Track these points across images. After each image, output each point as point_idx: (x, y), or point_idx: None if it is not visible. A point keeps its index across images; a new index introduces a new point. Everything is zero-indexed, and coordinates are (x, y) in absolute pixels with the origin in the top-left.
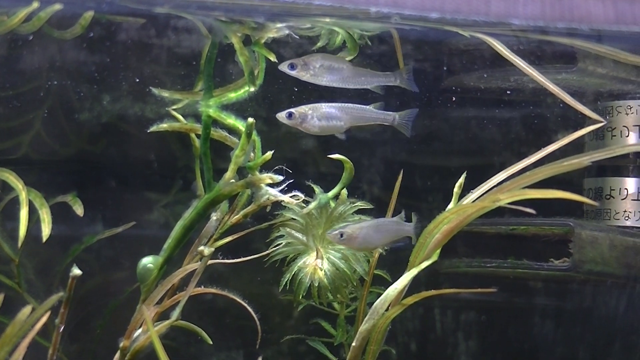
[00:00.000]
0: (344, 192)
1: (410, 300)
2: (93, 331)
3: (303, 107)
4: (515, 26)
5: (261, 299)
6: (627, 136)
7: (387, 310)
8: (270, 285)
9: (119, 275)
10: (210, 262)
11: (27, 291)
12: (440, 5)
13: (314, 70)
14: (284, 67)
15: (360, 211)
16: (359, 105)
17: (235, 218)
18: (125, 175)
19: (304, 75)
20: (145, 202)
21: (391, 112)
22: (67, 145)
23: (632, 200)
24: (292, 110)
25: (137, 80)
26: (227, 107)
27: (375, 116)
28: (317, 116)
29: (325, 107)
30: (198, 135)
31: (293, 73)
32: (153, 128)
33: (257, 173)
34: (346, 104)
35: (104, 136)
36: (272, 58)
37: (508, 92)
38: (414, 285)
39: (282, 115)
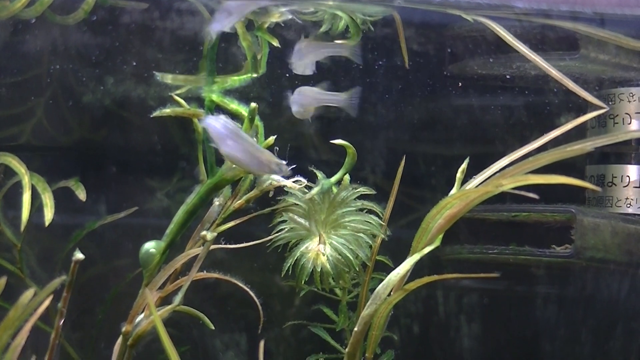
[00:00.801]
0: (347, 177)
1: (412, 285)
2: (94, 318)
3: None
4: (519, 9)
5: (263, 284)
6: (629, 123)
7: (389, 295)
8: (272, 270)
9: (121, 262)
10: (212, 247)
11: (29, 277)
12: None
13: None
14: None
15: (362, 196)
16: (311, 87)
17: (237, 203)
18: (127, 161)
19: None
20: (147, 188)
21: (338, 93)
22: (69, 131)
23: (634, 187)
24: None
25: (139, 64)
26: (230, 92)
27: (327, 98)
28: None
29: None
30: None
31: None
32: (156, 113)
33: None
34: (300, 88)
35: (106, 122)
36: (275, 43)
37: (510, 78)
38: (417, 270)
39: None
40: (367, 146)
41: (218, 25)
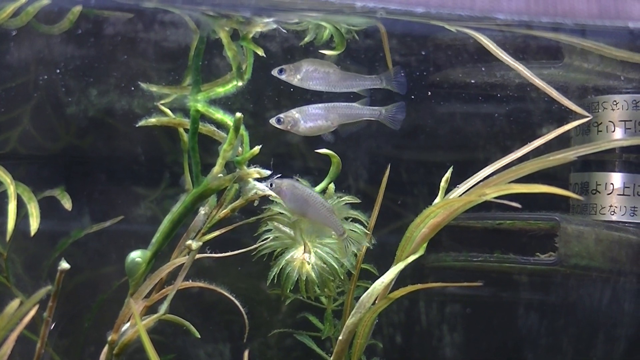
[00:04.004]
0: (332, 186)
1: (397, 294)
2: (81, 326)
3: (291, 111)
4: (501, 21)
5: (249, 293)
6: (613, 131)
7: (373, 304)
8: (258, 279)
9: (107, 270)
10: (198, 256)
11: (16, 285)
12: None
13: (302, 75)
14: (274, 72)
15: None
16: (344, 103)
17: (223, 212)
18: (113, 170)
19: (293, 80)
20: (133, 197)
21: (377, 107)
22: (55, 139)
23: (618, 195)
24: (280, 115)
25: (125, 74)
26: (215, 102)
27: (362, 112)
28: (303, 118)
29: (312, 109)
30: (186, 130)
31: (283, 77)
32: (141, 122)
33: (245, 167)
34: (332, 103)
35: (92, 131)
36: (260, 52)
37: (493, 86)
38: (400, 279)
39: (272, 121)
40: (351, 155)
41: None
